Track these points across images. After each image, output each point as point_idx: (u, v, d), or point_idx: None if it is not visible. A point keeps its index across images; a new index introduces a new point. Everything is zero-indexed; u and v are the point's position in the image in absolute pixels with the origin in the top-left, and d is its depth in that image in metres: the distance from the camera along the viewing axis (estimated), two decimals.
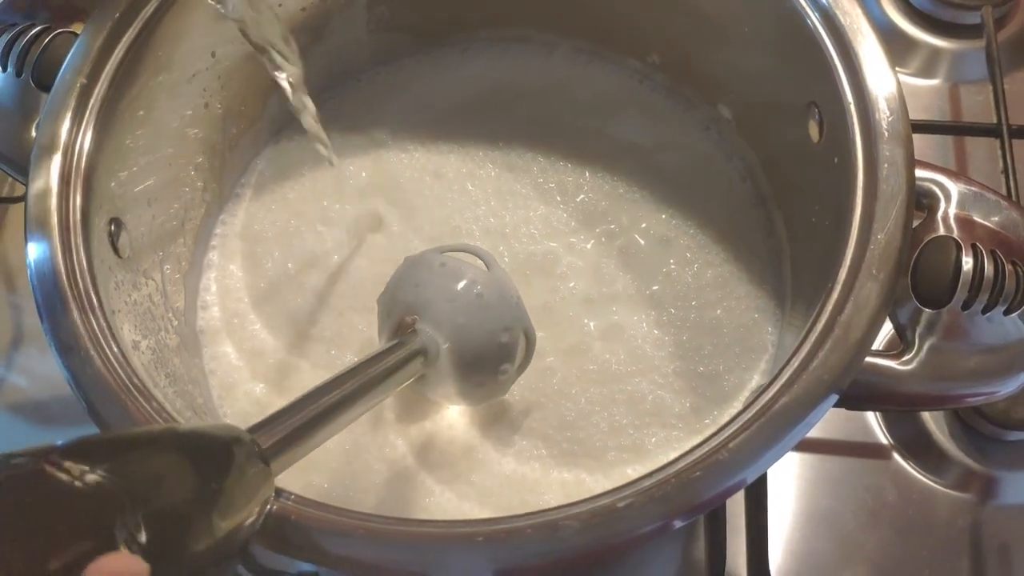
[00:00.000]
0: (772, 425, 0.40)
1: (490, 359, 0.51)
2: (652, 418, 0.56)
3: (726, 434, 0.40)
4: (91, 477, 0.27)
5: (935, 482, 0.63)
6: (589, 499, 0.39)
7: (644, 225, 0.63)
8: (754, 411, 0.41)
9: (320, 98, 0.66)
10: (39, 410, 0.70)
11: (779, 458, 0.40)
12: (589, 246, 0.63)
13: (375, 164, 0.67)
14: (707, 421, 0.56)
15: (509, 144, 0.67)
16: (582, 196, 0.65)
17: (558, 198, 0.65)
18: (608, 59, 0.69)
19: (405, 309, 0.51)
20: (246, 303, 0.62)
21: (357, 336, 0.60)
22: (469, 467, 0.56)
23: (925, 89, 0.78)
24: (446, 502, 0.54)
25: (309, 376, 0.59)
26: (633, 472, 0.54)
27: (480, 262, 0.53)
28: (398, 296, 0.52)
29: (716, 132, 0.66)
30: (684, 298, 0.60)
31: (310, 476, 0.54)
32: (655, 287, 0.61)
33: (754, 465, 0.40)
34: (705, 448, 0.40)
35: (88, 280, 0.45)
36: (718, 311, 0.60)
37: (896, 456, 0.64)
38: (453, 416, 0.57)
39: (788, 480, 0.63)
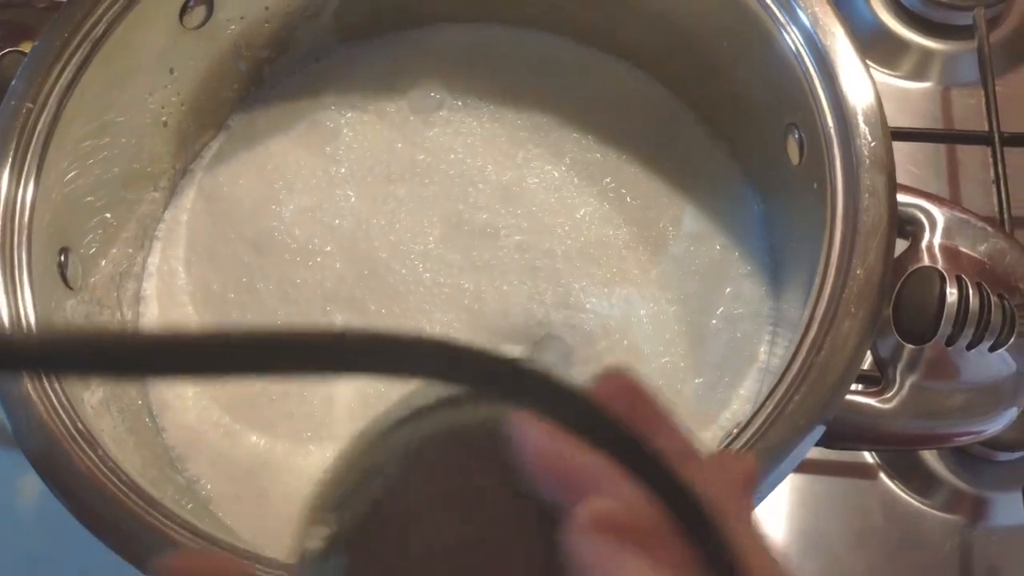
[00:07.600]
0: None
1: None
2: None
3: None
4: None
5: (923, 503, 0.61)
6: None
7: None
8: None
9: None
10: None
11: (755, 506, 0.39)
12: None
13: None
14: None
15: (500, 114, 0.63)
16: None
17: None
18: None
19: None
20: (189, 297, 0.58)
21: None
22: None
23: (917, 93, 0.76)
24: None
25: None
26: None
27: None
28: None
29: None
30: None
31: None
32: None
33: None
34: None
35: (32, 321, 0.43)
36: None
37: (883, 476, 0.62)
38: None
39: (770, 501, 0.61)
